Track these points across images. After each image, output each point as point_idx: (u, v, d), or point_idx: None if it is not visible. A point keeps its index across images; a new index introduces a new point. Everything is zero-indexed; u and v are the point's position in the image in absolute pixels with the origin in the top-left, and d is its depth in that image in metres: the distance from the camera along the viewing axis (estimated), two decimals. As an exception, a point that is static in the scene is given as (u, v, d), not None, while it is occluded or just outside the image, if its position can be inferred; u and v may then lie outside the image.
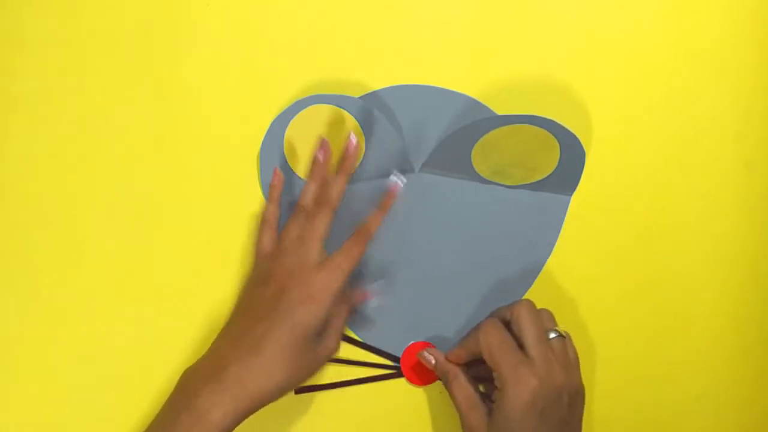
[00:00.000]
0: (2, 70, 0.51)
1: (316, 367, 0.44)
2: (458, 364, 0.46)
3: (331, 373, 0.49)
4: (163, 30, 0.51)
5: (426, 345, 0.49)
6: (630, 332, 0.50)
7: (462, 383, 0.45)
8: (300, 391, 0.49)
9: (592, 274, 0.50)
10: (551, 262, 0.50)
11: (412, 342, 0.49)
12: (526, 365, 0.42)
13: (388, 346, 0.49)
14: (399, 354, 0.49)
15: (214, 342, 0.44)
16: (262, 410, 0.47)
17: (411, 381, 0.49)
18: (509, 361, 0.42)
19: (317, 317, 0.42)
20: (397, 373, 0.49)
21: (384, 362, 0.49)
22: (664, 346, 0.50)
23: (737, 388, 0.50)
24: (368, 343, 0.49)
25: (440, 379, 0.47)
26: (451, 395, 0.46)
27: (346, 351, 0.49)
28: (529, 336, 0.43)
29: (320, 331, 0.43)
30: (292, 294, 0.43)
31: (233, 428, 0.41)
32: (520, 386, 0.41)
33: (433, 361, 0.47)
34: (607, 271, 0.51)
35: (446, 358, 0.47)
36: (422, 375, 0.49)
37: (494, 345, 0.43)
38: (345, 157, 0.47)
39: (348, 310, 0.47)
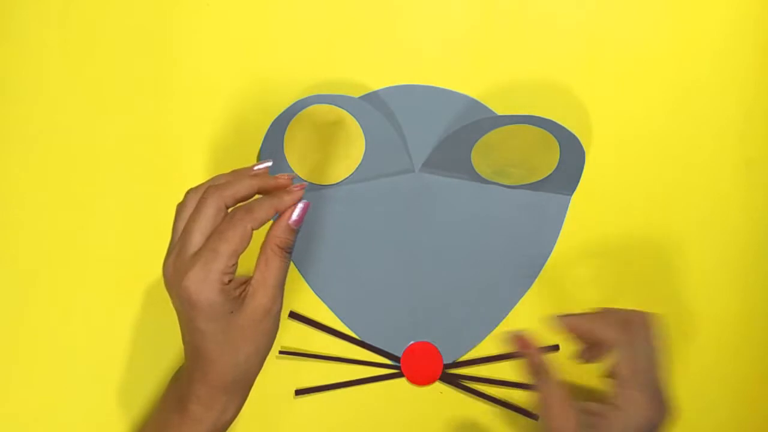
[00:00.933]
0: (2, 70, 0.51)
1: (261, 328, 0.40)
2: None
3: (332, 373, 0.49)
4: (163, 30, 0.51)
5: (426, 345, 0.49)
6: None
7: (555, 383, 0.40)
8: (300, 392, 0.49)
9: (592, 275, 0.50)
10: (551, 262, 0.50)
11: (412, 342, 0.49)
12: (657, 394, 0.39)
13: (388, 346, 0.49)
14: (399, 354, 0.49)
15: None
16: (261, 410, 0.48)
17: (411, 381, 0.49)
18: (646, 383, 0.39)
19: (207, 312, 0.38)
20: (397, 374, 0.49)
21: (384, 362, 0.49)
22: (665, 346, 0.50)
23: (739, 389, 0.50)
24: (368, 342, 0.49)
25: (529, 371, 0.42)
26: (540, 392, 0.41)
27: (346, 350, 0.49)
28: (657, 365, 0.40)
29: (233, 306, 0.39)
30: (177, 299, 0.40)
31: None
32: (645, 414, 0.38)
33: (529, 350, 0.42)
34: (608, 271, 0.50)
35: (564, 323, 0.41)
36: (422, 375, 0.49)
37: (640, 363, 0.39)
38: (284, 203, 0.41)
39: (274, 255, 0.40)
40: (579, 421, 0.39)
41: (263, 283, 0.40)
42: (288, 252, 0.41)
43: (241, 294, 0.40)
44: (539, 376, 0.41)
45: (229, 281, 0.39)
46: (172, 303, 0.41)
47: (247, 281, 0.40)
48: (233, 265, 0.39)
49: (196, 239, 0.39)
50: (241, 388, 0.41)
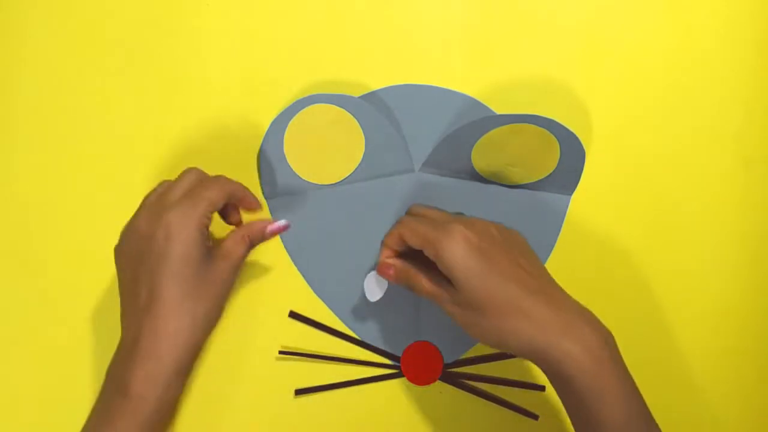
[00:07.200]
0: (2, 70, 0.51)
1: (222, 290, 0.43)
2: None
3: (331, 373, 0.49)
4: (163, 30, 0.51)
5: (426, 345, 0.49)
6: (630, 332, 0.50)
7: (423, 274, 0.44)
8: (300, 392, 0.49)
9: (591, 274, 0.50)
10: (551, 262, 0.50)
11: (412, 342, 0.49)
12: (443, 225, 0.42)
13: (388, 346, 0.49)
14: (399, 354, 0.49)
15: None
16: (261, 410, 0.48)
17: (411, 381, 0.49)
18: (431, 230, 0.42)
19: (184, 246, 0.41)
20: (397, 373, 0.49)
21: (384, 362, 0.49)
22: (664, 346, 0.50)
23: (738, 388, 0.50)
24: (368, 342, 0.49)
25: (405, 285, 0.45)
26: (419, 288, 0.44)
27: (346, 350, 0.49)
28: (433, 216, 0.45)
29: (206, 253, 0.42)
30: (154, 239, 0.41)
31: (174, 390, 0.41)
32: (447, 238, 0.41)
33: (392, 271, 0.45)
34: (607, 271, 0.51)
35: (388, 260, 0.45)
36: (422, 375, 0.49)
37: (416, 227, 0.43)
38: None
39: (242, 242, 0.44)
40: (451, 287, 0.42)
41: (231, 253, 0.43)
42: (251, 247, 0.45)
43: (209, 249, 0.43)
44: (411, 279, 0.44)
45: (207, 227, 0.42)
46: (126, 260, 0.42)
47: (215, 244, 0.44)
48: (211, 213, 0.42)
49: (178, 191, 0.43)
50: (187, 356, 0.41)
